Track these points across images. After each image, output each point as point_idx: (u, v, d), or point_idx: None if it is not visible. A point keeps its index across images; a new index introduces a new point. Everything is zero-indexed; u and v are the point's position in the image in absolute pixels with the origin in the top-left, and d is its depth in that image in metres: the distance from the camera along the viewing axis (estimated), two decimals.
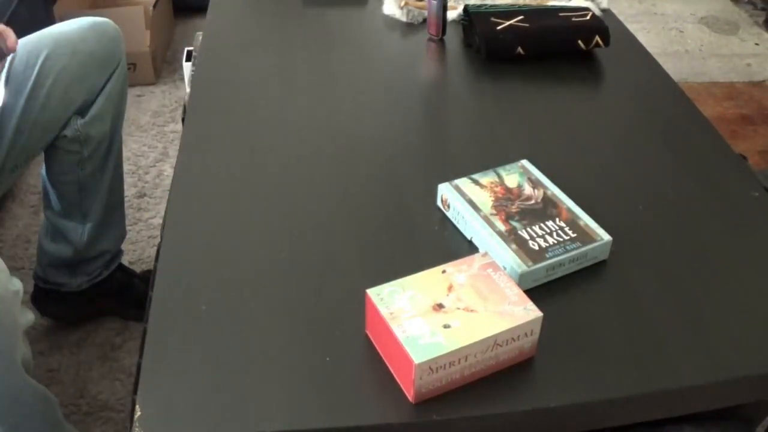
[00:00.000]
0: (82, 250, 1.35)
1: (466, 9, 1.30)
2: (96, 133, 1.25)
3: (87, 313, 1.48)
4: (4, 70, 1.08)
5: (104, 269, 1.42)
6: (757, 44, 2.70)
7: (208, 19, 1.36)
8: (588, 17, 1.27)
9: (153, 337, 0.74)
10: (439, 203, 0.91)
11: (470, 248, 0.85)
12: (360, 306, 0.73)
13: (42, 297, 1.43)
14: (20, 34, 1.10)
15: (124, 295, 1.47)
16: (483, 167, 0.92)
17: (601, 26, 1.25)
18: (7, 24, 1.03)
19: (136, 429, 0.65)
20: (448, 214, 0.89)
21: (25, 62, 1.13)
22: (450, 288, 0.72)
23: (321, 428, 0.67)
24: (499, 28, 1.23)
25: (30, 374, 0.92)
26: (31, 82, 1.13)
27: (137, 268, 1.61)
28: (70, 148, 1.24)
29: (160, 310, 0.77)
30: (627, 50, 1.30)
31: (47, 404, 0.99)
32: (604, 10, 1.40)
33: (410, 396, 0.68)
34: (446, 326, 0.68)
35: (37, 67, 1.13)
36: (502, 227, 0.83)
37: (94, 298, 1.44)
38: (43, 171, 1.32)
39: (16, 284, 0.87)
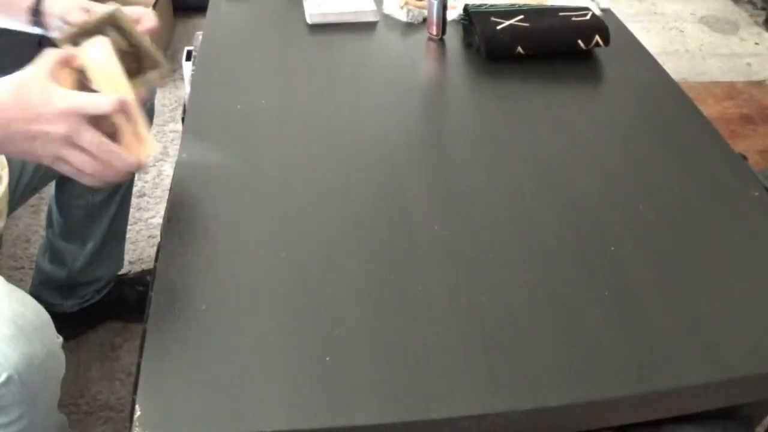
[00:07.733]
0: (75, 274, 1.36)
1: (466, 9, 1.30)
2: None
3: (79, 332, 1.48)
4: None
5: (96, 293, 1.43)
6: (757, 44, 2.70)
7: (208, 19, 1.36)
8: (588, 17, 1.27)
9: (153, 337, 0.74)
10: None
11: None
12: (360, 306, 0.73)
13: None
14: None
15: (120, 306, 1.48)
16: (483, 167, 0.92)
17: (601, 26, 1.25)
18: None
19: (136, 429, 0.65)
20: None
21: None
22: None
23: (321, 428, 0.67)
24: (499, 27, 1.23)
25: None
26: None
27: (137, 268, 1.61)
28: None
29: (160, 310, 0.77)
30: (627, 50, 1.30)
31: (63, 430, 1.01)
32: (604, 10, 1.40)
33: None
34: None
35: None
36: None
37: (85, 317, 1.45)
38: (53, 190, 1.32)
39: (59, 335, 0.89)
